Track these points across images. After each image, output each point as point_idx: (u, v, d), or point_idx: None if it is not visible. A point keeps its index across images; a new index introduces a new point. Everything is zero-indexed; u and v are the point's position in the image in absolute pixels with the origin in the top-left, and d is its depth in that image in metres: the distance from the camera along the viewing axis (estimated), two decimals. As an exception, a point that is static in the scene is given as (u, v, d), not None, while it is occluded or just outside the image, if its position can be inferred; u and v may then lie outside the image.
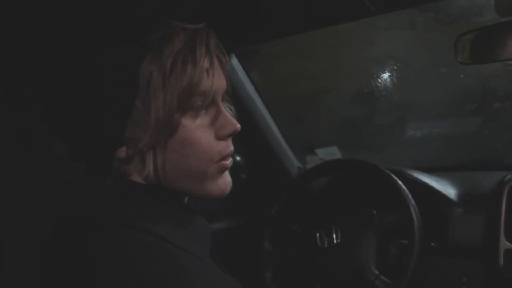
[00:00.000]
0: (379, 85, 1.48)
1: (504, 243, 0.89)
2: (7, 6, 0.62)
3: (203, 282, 0.47)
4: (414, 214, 0.90)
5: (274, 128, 1.28)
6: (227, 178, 0.58)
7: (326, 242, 1.00)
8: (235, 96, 1.15)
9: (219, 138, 0.55)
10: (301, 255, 1.05)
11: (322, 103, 1.68)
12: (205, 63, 0.52)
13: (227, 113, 0.57)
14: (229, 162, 0.57)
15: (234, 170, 1.37)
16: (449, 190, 1.03)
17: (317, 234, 1.01)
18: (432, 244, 0.99)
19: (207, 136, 0.54)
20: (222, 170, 0.57)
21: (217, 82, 0.54)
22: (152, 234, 0.47)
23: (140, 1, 0.55)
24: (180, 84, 0.50)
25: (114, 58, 0.50)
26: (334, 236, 0.99)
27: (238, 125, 0.56)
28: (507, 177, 0.96)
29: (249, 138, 1.27)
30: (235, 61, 1.15)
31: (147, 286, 0.43)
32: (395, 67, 1.45)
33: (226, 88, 0.58)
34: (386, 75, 1.46)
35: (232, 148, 0.57)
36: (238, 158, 1.35)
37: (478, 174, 1.10)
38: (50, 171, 0.64)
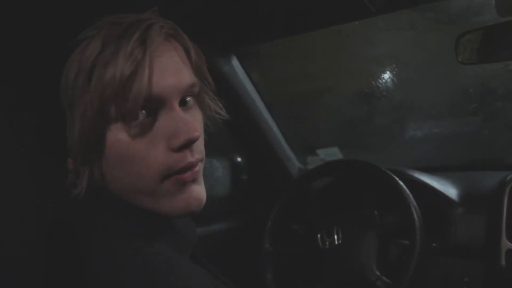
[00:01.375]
0: (379, 85, 1.48)
1: (505, 243, 0.89)
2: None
3: (176, 275, 0.44)
4: (415, 214, 0.90)
5: (275, 128, 1.28)
6: (191, 192, 0.47)
7: (327, 242, 1.00)
8: (235, 96, 1.16)
9: (171, 149, 0.45)
10: (302, 256, 1.05)
11: (323, 104, 1.68)
12: (132, 61, 0.42)
13: (182, 118, 0.45)
14: (188, 175, 0.46)
15: (235, 171, 1.38)
16: (450, 190, 1.02)
17: (318, 235, 1.01)
18: (433, 244, 0.98)
19: (150, 148, 0.44)
20: (181, 184, 0.46)
21: (159, 82, 0.44)
22: (126, 239, 0.46)
23: (137, 3, 0.54)
24: (100, 89, 0.42)
25: (45, 65, 0.46)
26: (335, 236, 0.99)
27: (195, 134, 0.45)
28: (508, 177, 0.96)
29: (250, 139, 1.27)
30: (235, 62, 1.15)
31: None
32: (395, 67, 1.45)
33: (191, 83, 0.48)
34: (386, 75, 1.46)
35: (191, 159, 0.46)
36: (238, 158, 1.35)
37: (479, 174, 1.10)
38: (50, 173, 0.64)
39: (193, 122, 0.47)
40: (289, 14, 0.86)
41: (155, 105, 0.45)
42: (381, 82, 1.47)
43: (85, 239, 0.46)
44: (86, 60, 0.43)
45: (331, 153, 1.46)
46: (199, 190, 0.48)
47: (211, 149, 0.55)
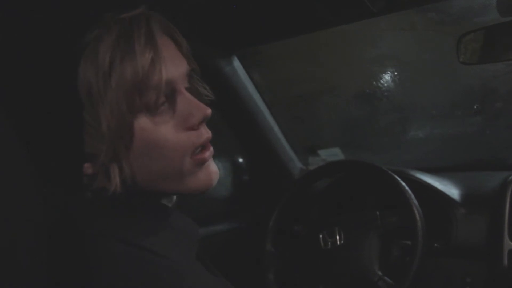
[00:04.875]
0: (380, 85, 1.48)
1: (508, 244, 0.89)
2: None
3: (186, 286, 0.46)
4: (417, 215, 0.90)
5: (276, 129, 1.28)
6: (210, 169, 0.53)
7: (329, 243, 1.00)
8: (236, 97, 1.16)
9: (189, 128, 0.50)
10: (304, 257, 1.05)
11: (324, 104, 1.68)
12: (148, 53, 0.46)
13: (193, 99, 0.50)
14: (207, 154, 0.52)
15: (236, 172, 1.38)
16: (452, 191, 1.02)
17: (320, 235, 1.01)
18: (435, 244, 0.98)
19: (173, 131, 0.49)
20: (200, 163, 0.51)
21: (171, 70, 0.48)
22: (130, 244, 0.46)
23: (137, 2, 0.54)
24: (124, 84, 0.45)
25: (52, 70, 0.46)
26: (337, 237, 0.99)
27: (208, 110, 0.50)
28: (510, 177, 0.96)
29: (251, 139, 1.27)
30: (236, 63, 1.15)
31: None
32: (397, 68, 1.45)
33: (188, 70, 0.52)
34: (387, 76, 1.46)
35: (207, 135, 0.51)
36: (240, 159, 1.35)
37: (481, 175, 1.10)
38: (54, 174, 0.64)
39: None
40: (290, 15, 0.86)
41: (170, 91, 0.49)
42: (382, 82, 1.47)
43: (91, 244, 0.46)
44: (103, 58, 0.45)
45: (333, 154, 1.46)
46: (215, 166, 0.54)
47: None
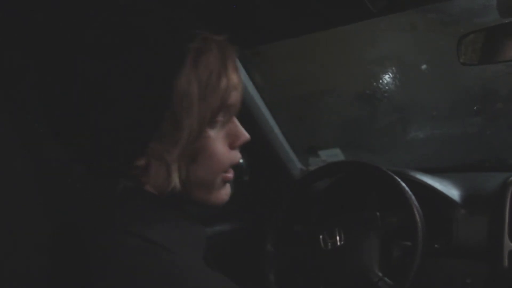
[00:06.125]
0: (381, 86, 1.48)
1: (508, 244, 0.89)
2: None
3: (195, 283, 0.47)
4: (417, 216, 0.90)
5: (276, 129, 1.28)
6: (228, 188, 0.60)
7: (329, 244, 1.00)
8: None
9: (231, 147, 0.57)
10: (304, 257, 1.05)
11: (324, 105, 1.68)
12: (235, 78, 0.54)
13: (239, 123, 0.58)
14: (232, 175, 0.58)
15: (236, 172, 1.37)
16: (452, 191, 1.02)
17: (320, 236, 1.01)
18: (435, 245, 0.98)
19: (222, 147, 0.55)
20: (225, 181, 0.58)
21: (240, 95, 0.57)
22: (146, 240, 0.47)
23: (137, 2, 0.54)
24: (215, 98, 0.51)
25: (149, 67, 0.47)
26: (337, 237, 0.99)
27: (248, 136, 0.58)
28: (510, 178, 0.96)
29: (251, 140, 1.27)
30: (237, 63, 1.15)
31: None
32: (397, 68, 1.45)
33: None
34: (388, 76, 1.46)
35: (239, 157, 0.59)
36: (240, 160, 1.35)
37: (481, 175, 1.10)
38: (54, 175, 0.64)
39: None
40: (290, 15, 0.86)
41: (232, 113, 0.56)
42: (382, 83, 1.47)
43: (103, 235, 0.48)
44: (202, 73, 0.50)
45: (333, 154, 1.46)
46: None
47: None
